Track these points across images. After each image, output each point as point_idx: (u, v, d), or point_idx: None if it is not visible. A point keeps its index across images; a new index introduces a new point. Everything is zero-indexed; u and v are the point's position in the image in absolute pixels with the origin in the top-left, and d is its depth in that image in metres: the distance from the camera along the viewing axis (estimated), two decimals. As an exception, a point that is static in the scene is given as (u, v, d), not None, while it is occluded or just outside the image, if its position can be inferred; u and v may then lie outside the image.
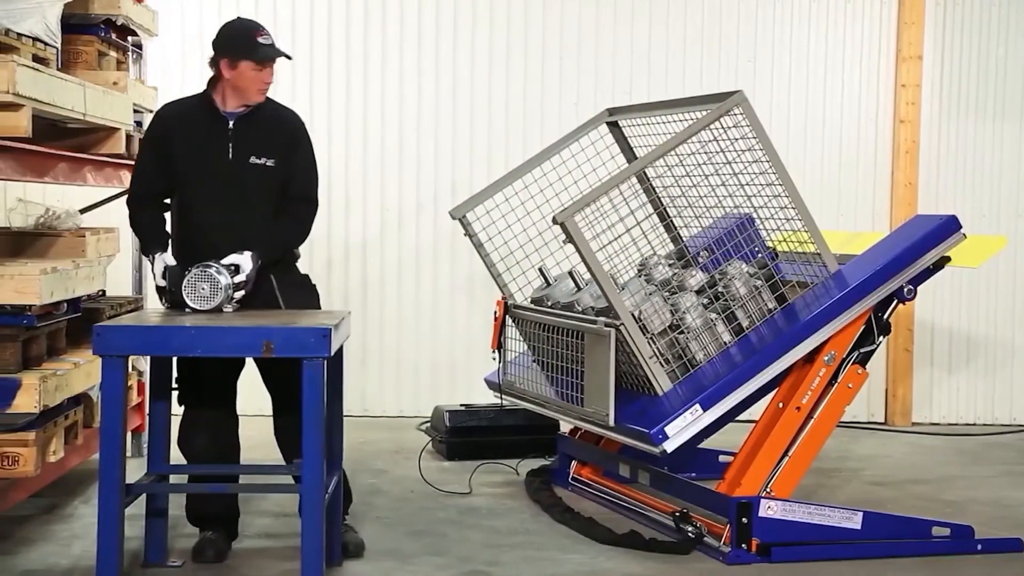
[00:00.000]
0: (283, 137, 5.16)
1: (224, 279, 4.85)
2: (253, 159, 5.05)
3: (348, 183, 8.61)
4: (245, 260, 4.93)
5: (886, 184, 8.89)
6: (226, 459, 5.29)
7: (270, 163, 5.08)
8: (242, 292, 4.92)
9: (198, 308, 4.83)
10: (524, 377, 6.32)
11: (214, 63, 5.07)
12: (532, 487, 6.42)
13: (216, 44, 5.08)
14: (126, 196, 5.34)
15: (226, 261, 4.89)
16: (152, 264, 5.06)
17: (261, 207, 5.10)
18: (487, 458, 7.08)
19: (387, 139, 8.64)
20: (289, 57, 5.12)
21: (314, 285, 5.40)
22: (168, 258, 5.02)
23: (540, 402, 6.19)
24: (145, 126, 6.92)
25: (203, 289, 4.84)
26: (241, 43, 5.01)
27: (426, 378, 8.67)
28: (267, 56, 5.02)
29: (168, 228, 5.22)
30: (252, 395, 8.51)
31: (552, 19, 8.71)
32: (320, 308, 5.36)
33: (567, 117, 8.43)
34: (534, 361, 6.37)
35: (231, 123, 5.06)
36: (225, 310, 4.86)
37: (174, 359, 5.03)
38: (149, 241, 5.15)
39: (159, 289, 5.04)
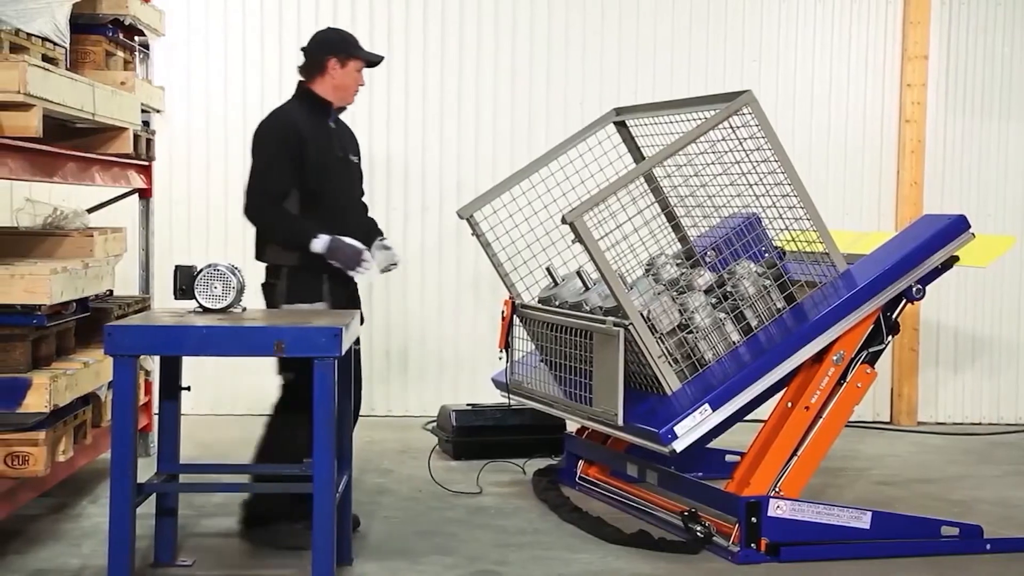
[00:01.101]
0: (355, 139, 5.71)
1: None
2: (351, 156, 5.58)
3: (354, 183, 8.61)
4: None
5: (891, 183, 8.89)
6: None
7: (357, 160, 5.64)
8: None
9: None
10: (531, 377, 6.32)
11: (317, 63, 5.42)
12: (539, 487, 6.42)
13: (324, 44, 5.46)
14: (253, 196, 5.35)
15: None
16: (310, 245, 5.26)
17: (360, 200, 5.72)
18: (493, 458, 7.09)
19: (392, 139, 8.64)
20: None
21: None
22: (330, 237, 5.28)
23: (548, 401, 6.19)
24: (153, 126, 6.98)
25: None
26: (351, 44, 5.47)
27: (432, 378, 8.68)
28: (375, 59, 5.52)
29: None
30: (252, 395, 8.58)
31: (557, 18, 8.71)
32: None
33: (573, 117, 8.44)
34: (541, 361, 6.37)
35: (332, 124, 5.51)
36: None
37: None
38: (306, 228, 5.31)
39: (318, 266, 5.28)
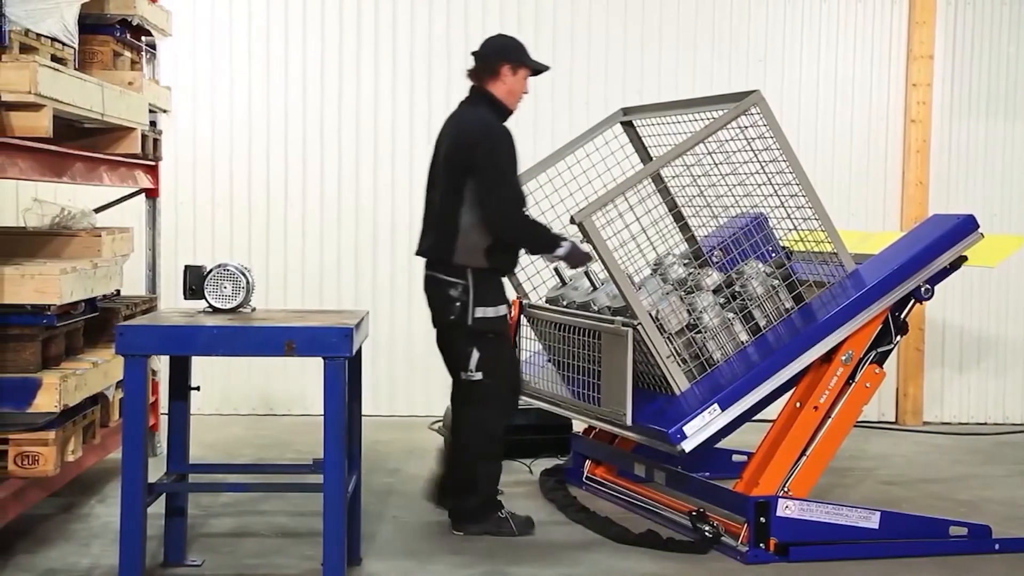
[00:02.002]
0: None
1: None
2: None
3: (359, 181, 8.62)
4: None
5: (897, 183, 8.90)
6: None
7: None
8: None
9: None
10: (539, 376, 6.32)
11: (490, 69, 5.56)
12: (547, 486, 6.43)
13: (499, 50, 5.61)
14: (509, 205, 5.47)
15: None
16: (557, 248, 5.53)
17: None
18: (507, 457, 7.05)
19: (398, 138, 8.65)
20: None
21: None
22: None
23: (555, 401, 6.19)
24: (160, 126, 6.98)
25: None
26: (523, 52, 5.61)
27: (437, 377, 8.60)
28: (540, 68, 5.67)
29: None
30: (256, 395, 8.60)
31: (563, 19, 8.72)
32: None
33: (578, 117, 8.44)
34: (548, 361, 6.37)
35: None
36: None
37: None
38: (554, 233, 5.61)
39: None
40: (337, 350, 4.41)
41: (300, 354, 4.44)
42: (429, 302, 5.64)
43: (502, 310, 5.59)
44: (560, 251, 5.55)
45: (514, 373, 5.87)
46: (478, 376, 5.56)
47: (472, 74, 5.68)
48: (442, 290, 5.54)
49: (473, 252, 5.48)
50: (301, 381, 8.50)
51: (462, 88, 8.67)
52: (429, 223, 5.65)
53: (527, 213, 5.59)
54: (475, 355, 5.54)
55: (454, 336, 5.58)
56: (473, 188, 5.44)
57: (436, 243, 5.56)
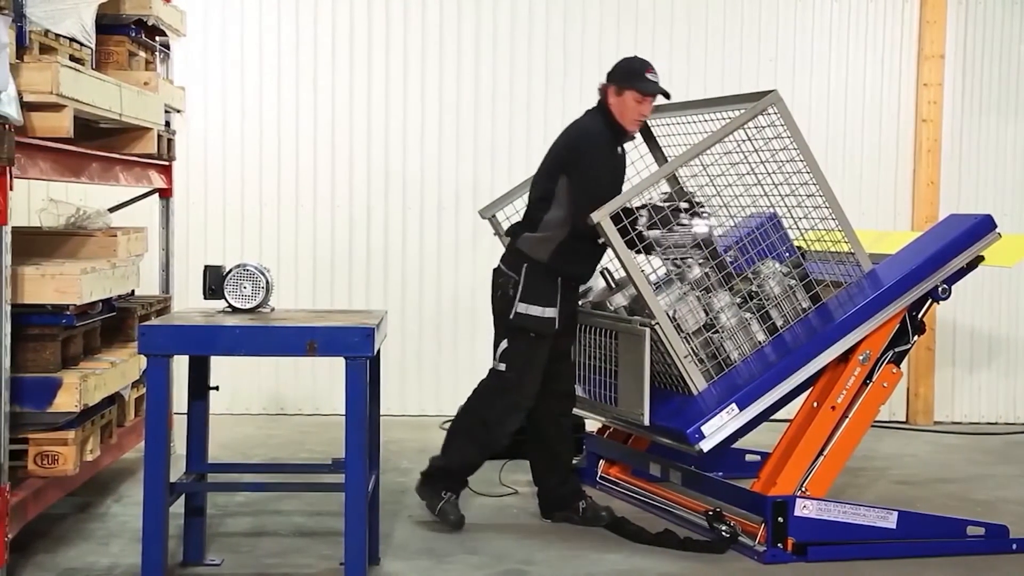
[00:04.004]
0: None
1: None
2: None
3: (371, 184, 8.62)
4: None
5: (908, 183, 8.90)
6: None
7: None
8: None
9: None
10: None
11: (602, 90, 5.74)
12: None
13: (611, 72, 5.76)
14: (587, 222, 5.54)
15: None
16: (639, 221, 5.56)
17: None
18: (512, 457, 7.06)
19: (408, 140, 8.65)
20: (667, 95, 5.69)
21: None
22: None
23: (571, 401, 6.18)
24: (173, 126, 6.99)
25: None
26: (631, 74, 5.69)
27: (448, 377, 8.68)
28: (651, 90, 5.66)
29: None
30: (267, 395, 8.60)
31: (573, 18, 8.71)
32: None
33: (590, 116, 8.42)
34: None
35: (621, 150, 5.78)
36: None
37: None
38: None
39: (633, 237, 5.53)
40: (359, 350, 4.42)
41: (322, 354, 4.45)
42: (491, 290, 5.82)
43: (549, 312, 5.63)
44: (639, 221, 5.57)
45: (535, 385, 5.74)
46: (502, 367, 5.70)
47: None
48: (498, 279, 5.75)
49: (538, 247, 5.64)
50: (312, 381, 8.51)
51: (475, 89, 8.76)
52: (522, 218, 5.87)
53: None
54: (503, 345, 5.69)
55: (497, 326, 5.76)
56: (563, 187, 5.61)
57: (514, 234, 5.79)
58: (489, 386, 5.78)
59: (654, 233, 5.60)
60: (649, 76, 5.69)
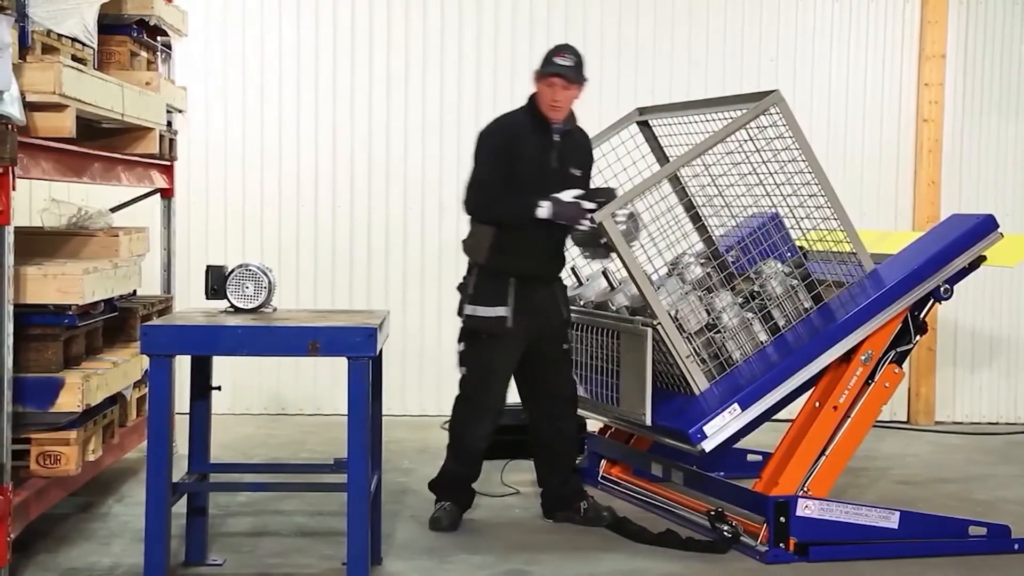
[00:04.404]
0: (586, 151, 5.87)
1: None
2: (572, 169, 5.71)
3: (371, 183, 8.62)
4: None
5: (909, 183, 8.90)
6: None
7: (579, 173, 5.75)
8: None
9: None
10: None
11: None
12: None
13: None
14: (477, 187, 5.72)
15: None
16: (535, 211, 5.53)
17: None
18: (513, 457, 7.06)
19: (410, 140, 8.65)
20: (571, 79, 5.57)
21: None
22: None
23: (572, 401, 6.18)
24: (175, 126, 6.99)
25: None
26: (543, 61, 5.65)
27: (448, 377, 8.62)
28: (547, 71, 5.59)
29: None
30: (268, 395, 8.60)
31: (574, 18, 8.71)
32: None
33: (590, 117, 8.37)
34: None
35: (556, 137, 5.67)
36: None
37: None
38: (528, 201, 5.58)
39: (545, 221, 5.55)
40: (361, 350, 4.42)
41: (324, 354, 4.45)
42: None
43: (497, 311, 5.61)
44: (542, 211, 5.53)
45: (499, 386, 5.75)
46: (462, 371, 5.76)
47: None
48: (459, 288, 5.83)
49: (474, 250, 5.75)
50: (312, 381, 8.51)
51: (476, 88, 8.75)
52: None
53: (493, 191, 5.67)
54: (459, 348, 5.76)
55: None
56: None
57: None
58: (458, 394, 5.82)
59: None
60: (556, 60, 5.61)
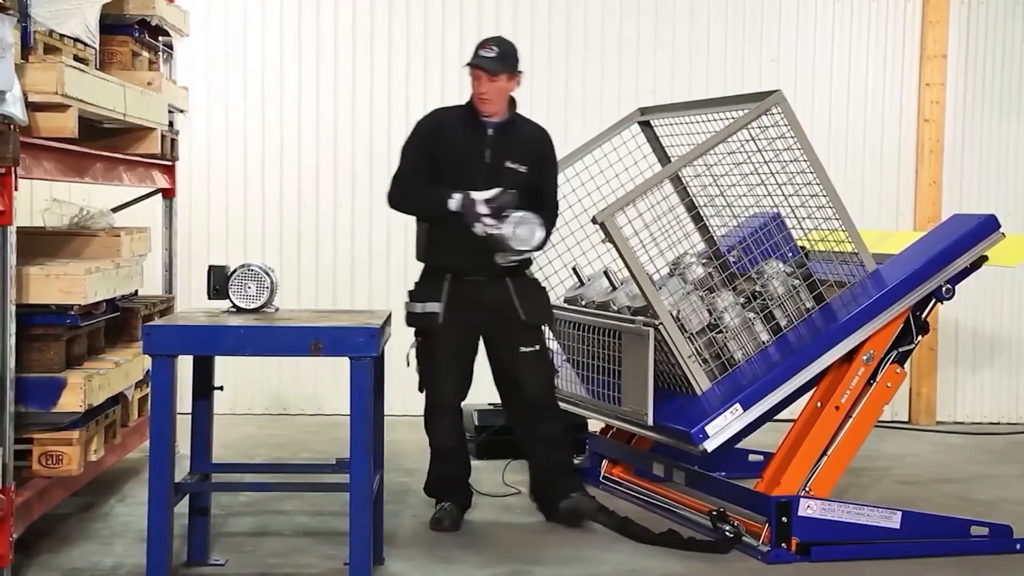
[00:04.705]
0: (536, 147, 5.72)
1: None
2: (508, 163, 5.58)
3: (373, 183, 8.62)
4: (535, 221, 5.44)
5: (910, 183, 8.90)
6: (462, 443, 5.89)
7: (523, 169, 5.60)
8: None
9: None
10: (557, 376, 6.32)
11: None
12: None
13: None
14: (395, 179, 5.75)
15: (521, 213, 5.41)
16: (446, 204, 5.47)
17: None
18: (515, 457, 7.06)
19: (412, 138, 8.65)
20: (483, 69, 5.53)
21: (543, 288, 5.88)
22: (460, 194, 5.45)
23: (574, 401, 6.19)
24: (176, 126, 6.99)
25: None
26: (473, 55, 5.59)
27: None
28: (471, 63, 5.56)
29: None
30: (269, 395, 8.60)
31: (576, 18, 8.72)
32: (551, 309, 5.86)
33: (591, 116, 8.45)
34: (566, 360, 6.37)
35: (490, 131, 5.58)
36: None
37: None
38: (440, 192, 5.53)
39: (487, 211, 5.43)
40: (363, 350, 4.43)
41: (326, 354, 4.45)
42: None
43: (429, 307, 5.65)
44: (453, 204, 5.47)
45: (447, 382, 5.74)
46: (417, 368, 5.80)
47: None
48: None
49: (417, 246, 5.84)
50: (313, 381, 8.51)
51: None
52: None
53: (409, 182, 5.66)
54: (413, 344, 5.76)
55: None
56: None
57: None
58: None
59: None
60: (479, 52, 5.60)
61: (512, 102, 5.70)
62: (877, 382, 5.52)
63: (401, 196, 5.70)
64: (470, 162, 5.56)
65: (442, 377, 5.72)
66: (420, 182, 5.63)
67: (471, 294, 5.63)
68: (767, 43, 8.82)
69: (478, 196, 5.45)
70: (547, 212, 5.67)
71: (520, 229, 5.40)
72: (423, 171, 5.62)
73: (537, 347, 5.72)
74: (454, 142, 5.59)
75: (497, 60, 5.54)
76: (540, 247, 5.56)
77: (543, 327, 5.86)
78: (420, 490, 6.37)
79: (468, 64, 5.59)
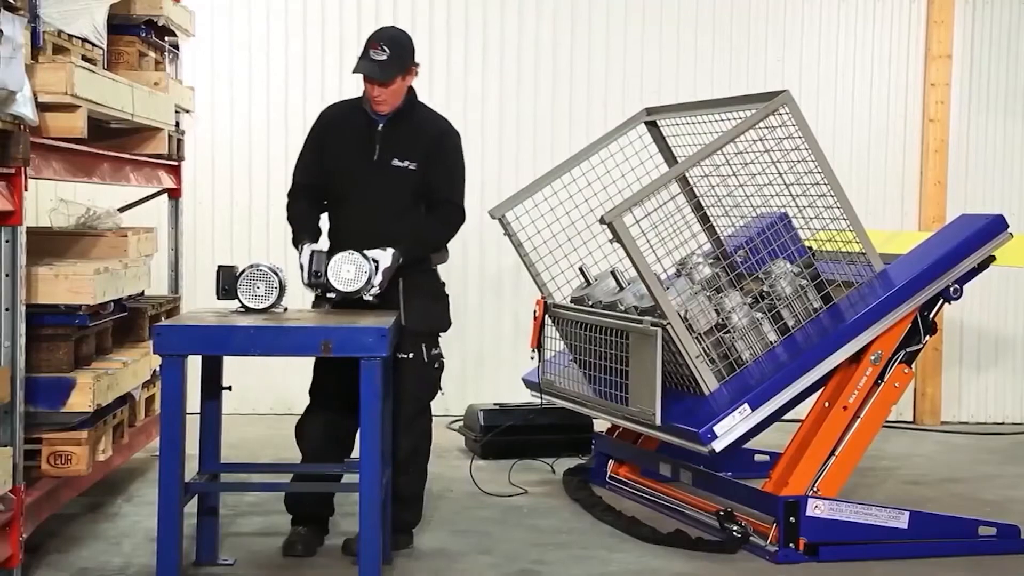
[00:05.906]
0: (426, 141, 5.29)
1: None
2: (396, 162, 5.21)
3: (378, 182, 8.61)
4: (386, 257, 5.05)
5: (915, 183, 8.90)
6: (336, 456, 5.34)
7: (412, 166, 5.24)
8: (378, 287, 5.03)
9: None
10: (563, 376, 6.32)
11: None
12: (571, 486, 6.42)
13: None
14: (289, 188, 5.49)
15: (368, 254, 5.01)
16: (300, 254, 5.14)
17: (403, 208, 5.24)
18: (521, 457, 7.07)
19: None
20: (370, 76, 5.14)
21: (447, 295, 5.53)
22: (314, 246, 5.14)
23: (580, 401, 6.19)
24: (182, 126, 6.99)
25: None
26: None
27: (455, 378, 8.64)
28: (358, 70, 5.17)
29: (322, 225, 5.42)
30: (276, 394, 8.59)
31: (581, 18, 8.72)
32: (447, 317, 5.50)
33: (596, 117, 8.45)
34: (572, 360, 6.37)
35: (380, 126, 5.24)
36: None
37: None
38: (299, 231, 5.28)
39: (306, 277, 5.08)
40: (373, 350, 4.43)
41: (336, 354, 4.45)
42: None
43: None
44: (300, 255, 5.13)
45: (317, 380, 5.37)
46: None
47: None
48: None
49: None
50: (319, 381, 8.49)
51: (482, 91, 8.75)
52: None
53: (294, 199, 5.43)
54: None
55: None
56: None
57: None
58: None
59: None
60: (370, 53, 5.14)
61: (410, 92, 5.31)
62: (885, 382, 5.52)
63: (289, 197, 5.44)
64: (357, 163, 5.21)
65: (316, 375, 5.38)
66: (299, 206, 5.35)
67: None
68: (772, 43, 8.83)
69: (312, 256, 5.05)
70: (438, 215, 5.33)
71: (345, 271, 4.98)
72: (316, 172, 5.32)
73: (411, 355, 5.18)
74: (342, 141, 5.26)
75: (388, 64, 5.11)
76: (381, 284, 5.02)
77: (429, 335, 5.33)
78: (428, 489, 6.36)
79: (355, 72, 5.16)
